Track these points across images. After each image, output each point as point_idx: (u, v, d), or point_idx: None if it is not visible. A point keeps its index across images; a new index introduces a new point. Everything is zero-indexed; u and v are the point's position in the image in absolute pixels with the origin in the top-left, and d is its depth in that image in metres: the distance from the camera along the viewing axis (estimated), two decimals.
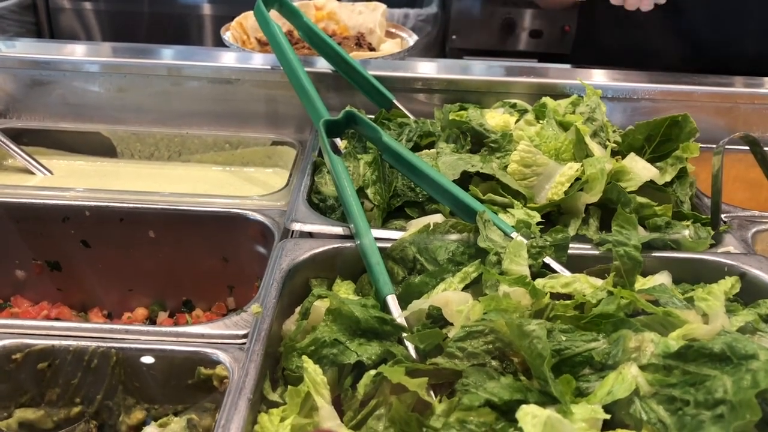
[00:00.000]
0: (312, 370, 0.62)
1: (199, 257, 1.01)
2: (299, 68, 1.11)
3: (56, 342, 0.72)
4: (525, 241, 0.79)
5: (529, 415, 0.51)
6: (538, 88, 1.26)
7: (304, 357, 0.64)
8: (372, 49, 1.48)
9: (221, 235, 0.99)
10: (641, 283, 0.75)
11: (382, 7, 1.54)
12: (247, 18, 1.46)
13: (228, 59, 1.28)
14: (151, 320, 1.02)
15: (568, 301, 0.69)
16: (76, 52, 1.32)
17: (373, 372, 0.61)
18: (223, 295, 1.03)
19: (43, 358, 0.72)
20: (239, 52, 1.37)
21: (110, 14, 3.17)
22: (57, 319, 0.98)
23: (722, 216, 0.96)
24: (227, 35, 1.43)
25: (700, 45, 1.47)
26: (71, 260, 1.01)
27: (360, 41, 1.47)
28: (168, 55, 1.32)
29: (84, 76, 1.26)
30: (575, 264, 0.81)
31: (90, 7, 3.16)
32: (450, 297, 0.71)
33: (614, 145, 1.04)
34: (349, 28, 1.51)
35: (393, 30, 1.57)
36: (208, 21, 3.15)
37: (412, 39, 1.51)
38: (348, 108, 0.98)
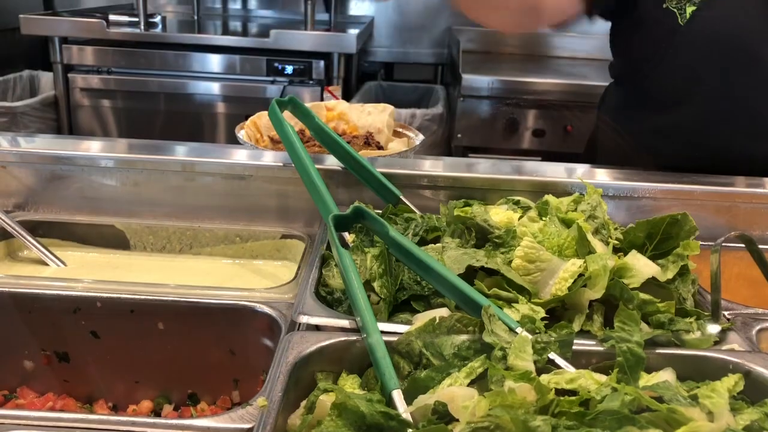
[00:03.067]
0: None
1: (206, 349, 1.02)
2: (310, 165, 1.15)
3: None
4: (530, 337, 0.80)
5: None
6: (540, 186, 1.30)
7: None
8: (380, 148, 1.53)
9: (229, 327, 1.00)
10: (645, 379, 0.75)
11: (390, 108, 1.60)
12: (261, 117, 1.53)
13: (241, 156, 1.33)
14: (156, 413, 1.02)
15: (573, 398, 0.69)
16: (94, 147, 1.37)
17: None
18: (228, 389, 1.03)
19: None
20: (252, 149, 1.42)
21: (127, 111, 3.30)
22: (62, 411, 0.98)
23: (726, 313, 0.97)
24: (241, 133, 1.49)
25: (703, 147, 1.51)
26: (80, 351, 1.02)
27: (369, 140, 1.52)
28: (182, 151, 1.37)
29: (101, 171, 1.31)
30: (580, 359, 0.82)
31: (108, 105, 3.29)
32: (456, 392, 0.71)
33: (616, 242, 1.06)
34: (358, 128, 1.57)
35: (400, 130, 1.62)
36: (222, 119, 3.28)
37: (418, 138, 1.57)
38: (356, 203, 1.01)
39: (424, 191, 1.33)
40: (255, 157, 1.33)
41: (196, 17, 3.88)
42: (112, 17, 3.27)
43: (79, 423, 0.75)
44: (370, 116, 1.57)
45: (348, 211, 0.99)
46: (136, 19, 3.34)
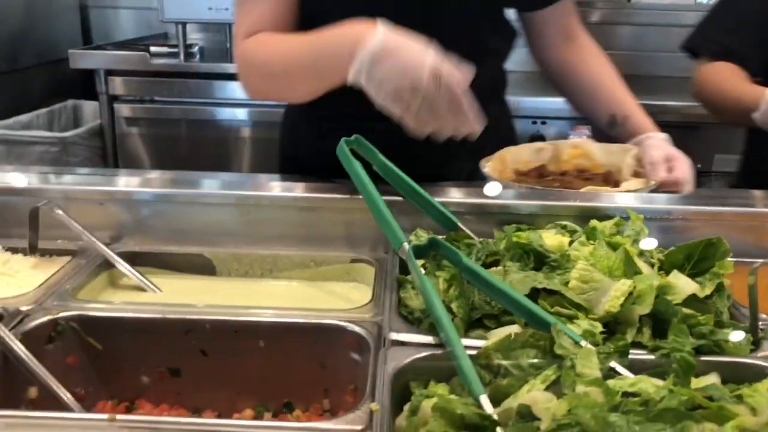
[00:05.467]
0: None
1: (300, 363, 1.16)
2: (378, 199, 1.29)
3: None
4: (593, 348, 0.94)
5: None
6: (582, 210, 1.43)
7: None
8: (616, 185, 1.61)
9: (320, 343, 1.14)
10: (695, 383, 0.89)
11: (633, 150, 1.66)
12: (508, 152, 1.70)
13: (311, 189, 1.48)
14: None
15: (636, 399, 0.83)
16: (180, 183, 1.52)
17: None
18: (319, 398, 1.17)
19: None
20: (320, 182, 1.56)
21: (168, 139, 3.48)
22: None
23: (760, 324, 1.10)
24: (487, 167, 1.62)
25: None
26: (190, 367, 1.17)
27: (607, 178, 1.63)
28: (260, 186, 1.53)
29: (187, 206, 1.47)
30: (634, 367, 0.96)
31: (151, 133, 3.47)
32: (537, 396, 0.85)
33: (657, 263, 1.20)
34: (600, 166, 1.68)
35: (640, 170, 1.66)
36: (249, 143, 3.45)
37: (654, 181, 1.59)
38: (430, 234, 1.16)
39: (472, 217, 1.46)
40: (324, 190, 1.48)
41: (228, 45, 4.04)
42: (153, 49, 3.45)
43: (203, 426, 0.89)
44: (613, 156, 1.66)
45: (424, 242, 1.13)
46: (175, 50, 3.52)
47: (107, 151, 3.50)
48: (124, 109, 3.43)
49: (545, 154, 1.76)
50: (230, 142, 3.45)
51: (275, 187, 1.50)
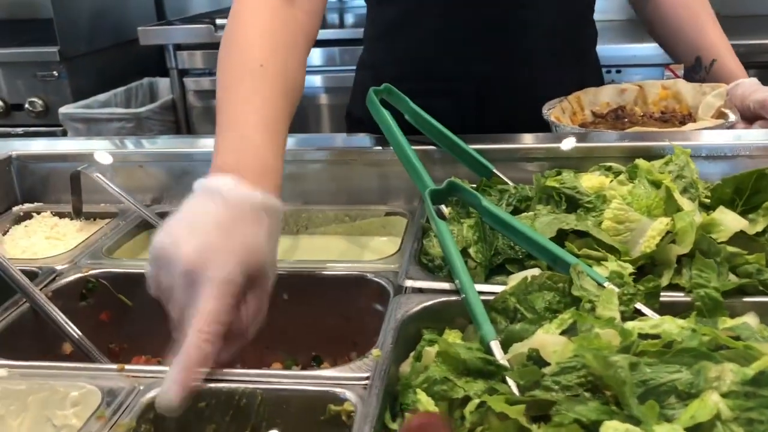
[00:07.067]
0: (425, 400, 0.72)
1: (326, 316, 1.14)
2: (407, 147, 1.25)
3: (213, 385, 0.87)
4: (616, 290, 0.87)
5: (611, 429, 0.58)
6: (632, 151, 1.33)
7: (418, 390, 0.74)
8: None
9: (344, 295, 1.12)
10: (728, 323, 0.80)
11: (723, 88, 1.54)
12: (587, 93, 1.62)
13: (344, 143, 1.45)
14: None
15: (656, 341, 0.76)
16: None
17: (477, 400, 0.71)
18: (347, 350, 1.15)
19: (202, 399, 0.86)
20: (353, 136, 1.53)
21: None
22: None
23: None
24: (548, 112, 1.54)
25: None
26: None
27: (685, 120, 1.53)
28: (293, 142, 1.50)
29: None
30: (669, 311, 0.87)
31: (212, 104, 3.52)
32: (547, 339, 0.79)
33: (706, 200, 1.10)
34: (690, 108, 1.58)
35: (727, 111, 1.53)
36: (325, 110, 3.43)
37: (731, 119, 1.49)
38: (451, 178, 1.10)
39: (518, 164, 1.39)
40: (357, 143, 1.45)
41: None
42: (219, 21, 3.49)
43: (226, 376, 0.89)
44: (704, 97, 1.56)
45: (443, 186, 1.08)
46: None
47: (180, 125, 3.59)
48: (193, 83, 3.50)
49: (629, 95, 1.65)
50: (304, 109, 3.45)
51: (309, 142, 1.48)
